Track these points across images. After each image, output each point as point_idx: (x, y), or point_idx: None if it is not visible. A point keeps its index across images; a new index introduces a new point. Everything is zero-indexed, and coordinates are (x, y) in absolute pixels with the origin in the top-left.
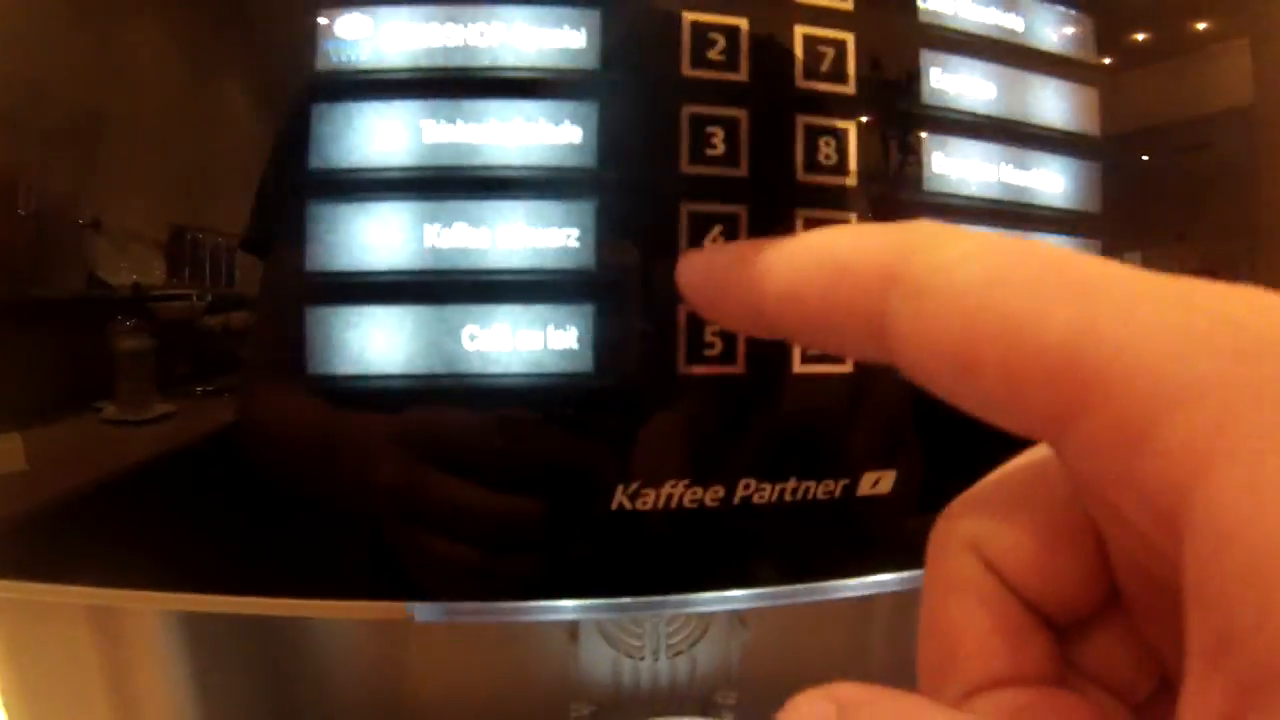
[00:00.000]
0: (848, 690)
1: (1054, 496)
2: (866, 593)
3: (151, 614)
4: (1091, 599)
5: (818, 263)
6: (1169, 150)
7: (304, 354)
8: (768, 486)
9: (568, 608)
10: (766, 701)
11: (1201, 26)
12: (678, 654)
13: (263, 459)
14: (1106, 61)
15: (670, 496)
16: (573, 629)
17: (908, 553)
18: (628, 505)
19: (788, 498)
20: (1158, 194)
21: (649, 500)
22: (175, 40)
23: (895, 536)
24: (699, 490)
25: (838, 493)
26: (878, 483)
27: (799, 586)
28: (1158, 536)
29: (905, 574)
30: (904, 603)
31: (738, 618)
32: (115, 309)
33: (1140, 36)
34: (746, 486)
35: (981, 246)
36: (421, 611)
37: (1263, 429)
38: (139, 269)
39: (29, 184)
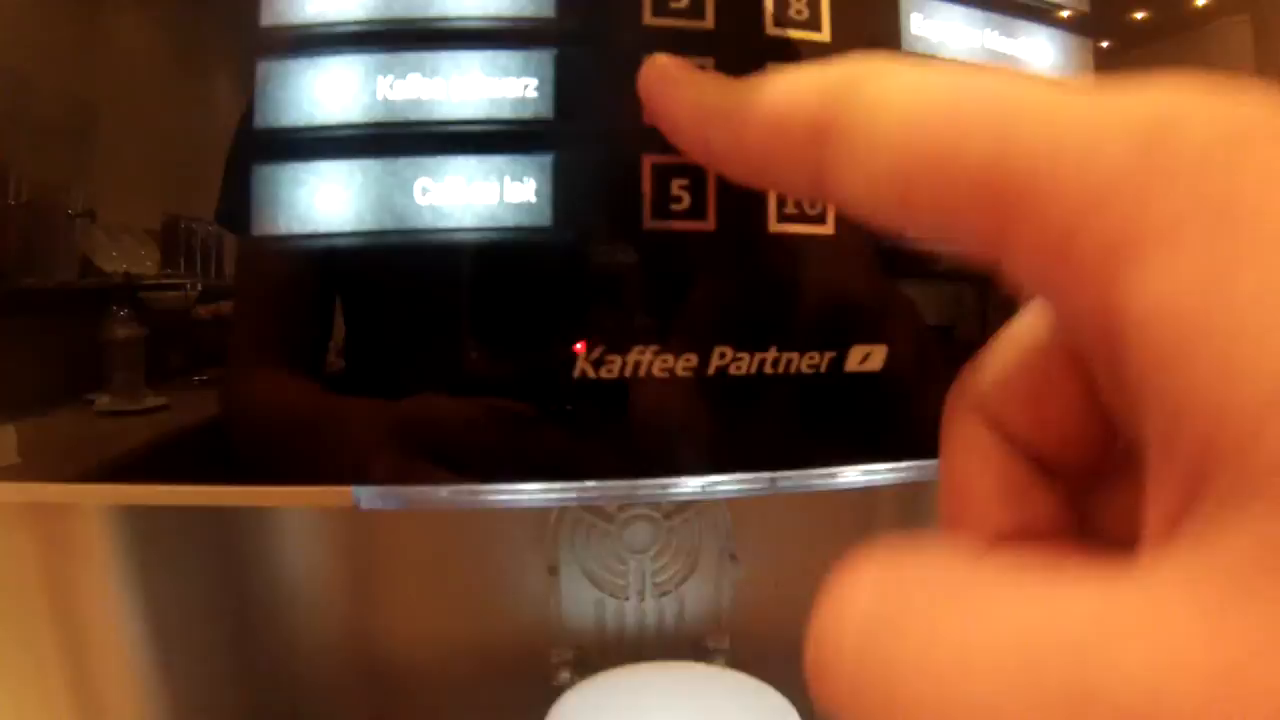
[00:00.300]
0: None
1: (1042, 348)
2: (860, 484)
3: (94, 512)
4: (1094, 450)
5: (757, 120)
6: None
7: (249, 214)
8: (745, 356)
9: (527, 492)
10: (761, 646)
11: (1202, 3)
12: (664, 593)
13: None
14: (1105, 44)
15: (638, 364)
16: (552, 564)
17: (904, 440)
18: (591, 373)
19: (769, 369)
20: None
21: (614, 368)
22: (165, 28)
23: (890, 420)
24: (669, 358)
25: (824, 367)
26: (868, 358)
27: (787, 474)
28: (1106, 353)
29: (901, 465)
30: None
31: (728, 553)
32: (108, 299)
33: (1140, 14)
34: (722, 356)
35: (902, 84)
36: (367, 497)
37: (1175, 212)
38: (131, 259)
39: (20, 174)
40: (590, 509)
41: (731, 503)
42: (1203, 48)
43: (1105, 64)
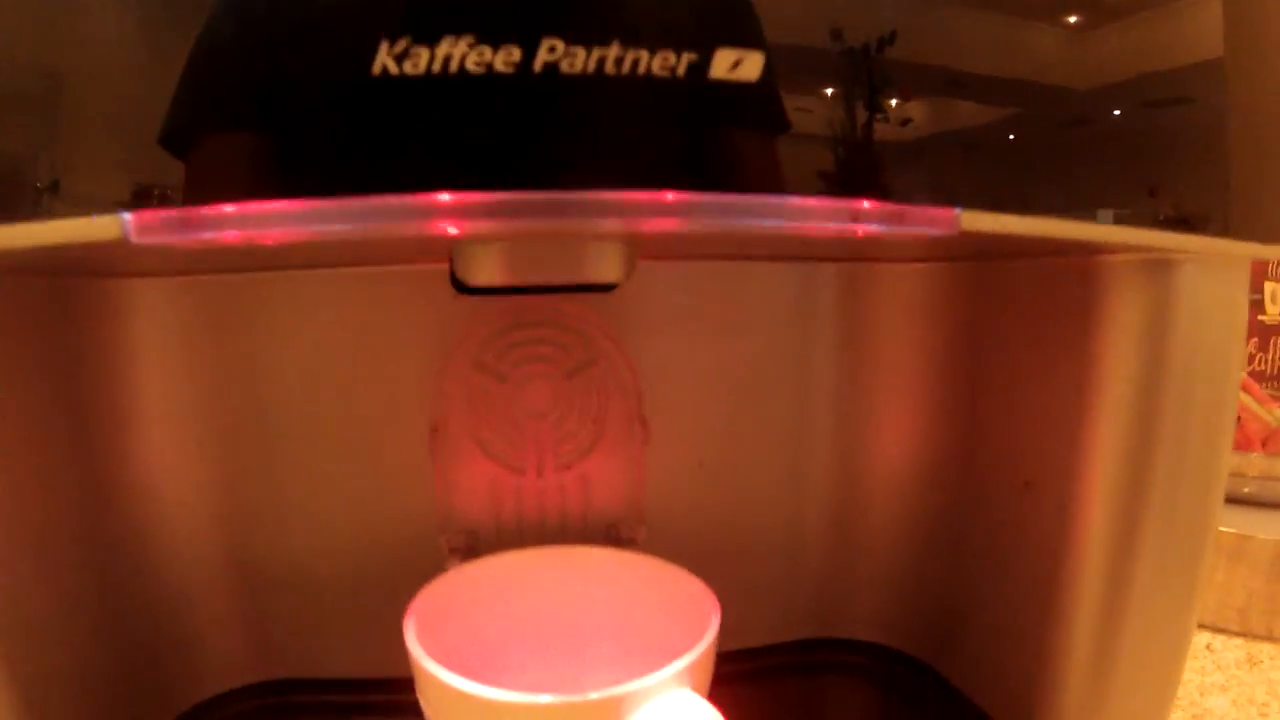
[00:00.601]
0: None
1: None
2: (725, 224)
3: None
4: None
5: None
6: (1139, 105)
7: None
8: (580, 51)
9: (322, 212)
10: (682, 538)
11: None
12: (566, 468)
13: None
14: (1074, 19)
15: (450, 58)
16: (435, 421)
17: (793, 176)
18: (394, 69)
19: (610, 69)
20: (1128, 149)
21: (421, 62)
22: None
23: (770, 148)
24: (486, 51)
25: (681, 71)
26: (739, 65)
27: (625, 197)
28: None
29: (784, 201)
30: (843, 419)
31: (637, 418)
32: None
33: None
34: (552, 50)
35: None
36: (139, 228)
37: None
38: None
39: None
40: (480, 367)
41: (643, 369)
42: (1171, 25)
43: (1074, 41)
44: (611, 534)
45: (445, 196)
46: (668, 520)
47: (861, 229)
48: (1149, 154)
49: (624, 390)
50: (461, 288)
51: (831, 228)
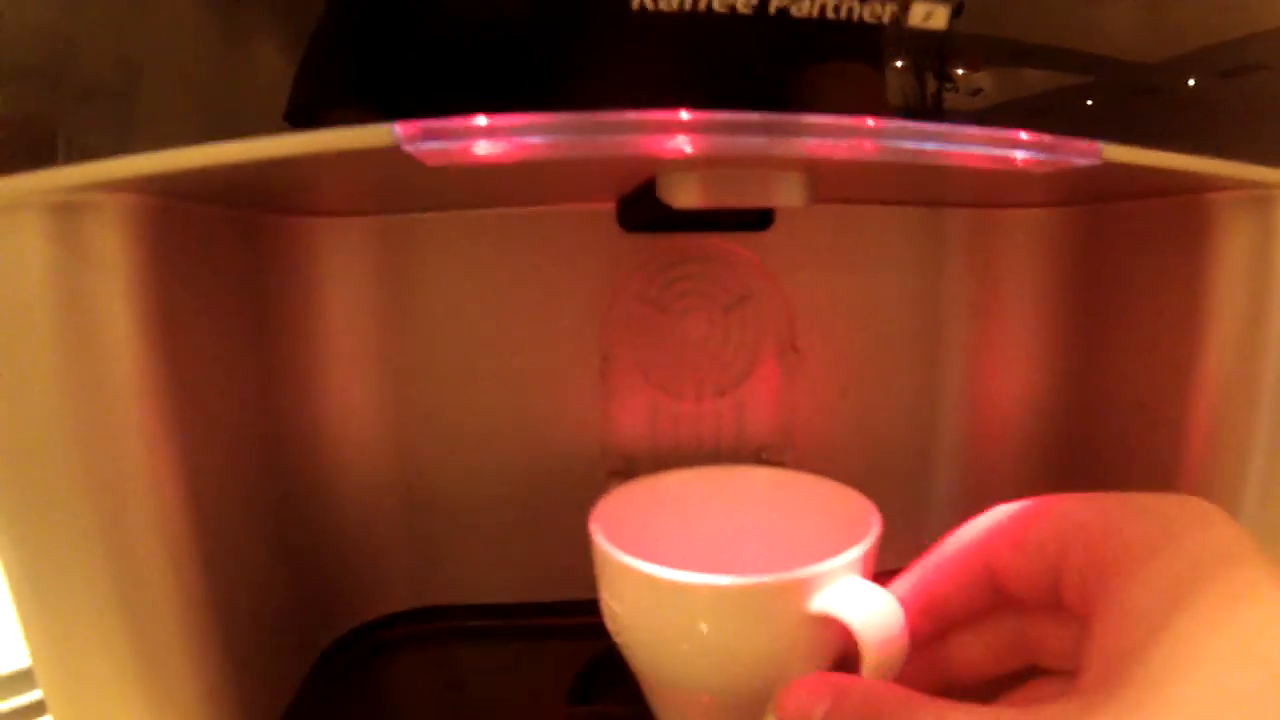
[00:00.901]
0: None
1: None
2: (914, 148)
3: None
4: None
5: None
6: (1214, 73)
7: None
8: None
9: (573, 123)
10: (828, 460)
11: None
12: (722, 393)
13: None
14: None
15: None
16: (605, 359)
17: (959, 108)
18: (650, 6)
19: (830, 14)
20: (1202, 119)
21: (674, 0)
22: None
23: (945, 80)
24: None
25: (886, 17)
26: (930, 16)
27: (841, 122)
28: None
29: (961, 130)
30: (970, 350)
31: (789, 345)
32: None
33: None
34: None
35: None
36: (407, 137)
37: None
38: None
39: (67, 137)
40: (645, 300)
41: (793, 301)
42: None
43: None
44: (760, 457)
45: (685, 114)
46: (811, 444)
47: (1021, 156)
48: (1223, 123)
49: (777, 322)
50: (630, 225)
51: (997, 155)
